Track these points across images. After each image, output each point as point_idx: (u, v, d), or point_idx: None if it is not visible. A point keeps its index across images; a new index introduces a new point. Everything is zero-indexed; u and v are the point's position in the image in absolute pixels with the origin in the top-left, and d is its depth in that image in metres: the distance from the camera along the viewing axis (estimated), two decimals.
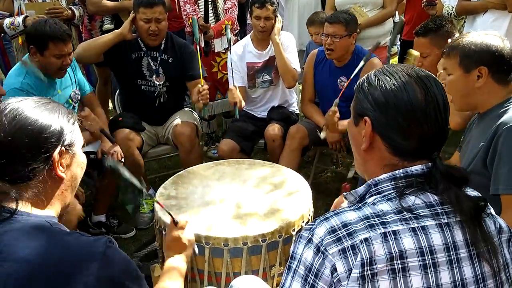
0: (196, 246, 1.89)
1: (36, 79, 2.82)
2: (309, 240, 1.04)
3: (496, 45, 1.75)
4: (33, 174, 1.14)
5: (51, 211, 1.19)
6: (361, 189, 1.15)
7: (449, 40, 2.52)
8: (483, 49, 1.76)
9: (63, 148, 1.18)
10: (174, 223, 1.72)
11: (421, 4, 4.01)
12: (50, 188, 1.18)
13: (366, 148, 1.15)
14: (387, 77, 1.12)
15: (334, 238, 1.01)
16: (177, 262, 1.61)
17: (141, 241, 3.18)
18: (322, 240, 1.02)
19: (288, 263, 1.07)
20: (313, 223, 1.07)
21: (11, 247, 1.06)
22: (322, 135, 3.15)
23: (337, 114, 3.02)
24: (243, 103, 3.35)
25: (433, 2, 3.95)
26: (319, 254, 1.01)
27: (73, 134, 1.23)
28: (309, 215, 2.26)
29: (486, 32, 1.85)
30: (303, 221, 2.17)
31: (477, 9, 3.51)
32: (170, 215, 1.74)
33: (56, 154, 1.16)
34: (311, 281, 1.01)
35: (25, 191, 1.14)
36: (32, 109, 1.16)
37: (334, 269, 0.99)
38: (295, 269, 1.05)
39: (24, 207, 1.13)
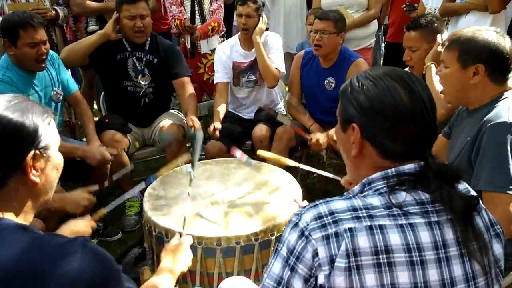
0: None
1: (16, 75, 2.78)
2: (296, 224, 1.06)
3: (497, 44, 1.75)
4: (4, 180, 1.09)
5: (21, 219, 1.14)
6: (356, 188, 1.15)
7: (438, 36, 2.57)
8: (483, 46, 1.75)
9: (37, 151, 1.12)
10: (180, 234, 1.74)
11: (403, 8, 4.07)
12: (22, 194, 1.12)
13: (357, 155, 1.15)
14: (370, 81, 1.12)
15: (319, 224, 1.03)
16: (172, 265, 1.58)
17: (127, 244, 3.14)
18: (308, 225, 1.04)
19: (276, 246, 1.10)
20: (303, 208, 1.09)
21: None
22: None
23: (320, 141, 3.12)
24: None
25: (413, 5, 4.02)
26: (303, 238, 1.03)
27: (48, 136, 1.16)
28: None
29: (488, 27, 1.84)
30: None
31: (459, 10, 3.57)
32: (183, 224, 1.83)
33: (29, 158, 1.10)
34: (292, 263, 1.03)
35: None
36: (4, 109, 1.10)
37: (315, 254, 1.01)
38: (279, 250, 1.07)
39: None
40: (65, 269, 1.02)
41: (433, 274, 1.03)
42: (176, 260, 1.61)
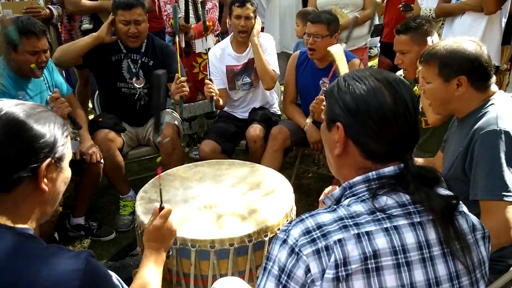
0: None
1: (10, 80, 2.76)
2: (284, 241, 1.05)
3: (475, 53, 1.76)
4: (17, 183, 1.09)
5: (27, 225, 1.14)
6: (336, 192, 1.16)
7: (428, 39, 2.57)
8: (462, 58, 1.76)
9: (52, 160, 1.14)
10: (160, 208, 1.64)
11: (399, 8, 4.08)
12: (30, 200, 1.13)
13: (340, 153, 1.16)
14: (356, 82, 1.13)
15: (308, 239, 1.02)
16: (156, 254, 1.56)
17: (121, 244, 3.13)
18: (297, 241, 1.03)
19: (264, 264, 1.08)
20: (289, 224, 1.08)
21: None
22: (308, 120, 3.13)
23: (324, 102, 3.02)
24: (220, 101, 3.36)
25: (409, 5, 4.02)
26: (293, 255, 1.02)
27: (64, 148, 1.18)
28: (292, 213, 2.26)
29: (463, 38, 1.85)
30: (287, 220, 2.16)
31: (455, 11, 3.58)
32: (160, 198, 1.69)
33: (44, 166, 1.12)
34: (284, 281, 1.02)
35: (5, 202, 1.10)
36: (28, 115, 1.11)
37: (308, 270, 1.00)
38: (269, 269, 1.06)
39: (1, 218, 1.09)
40: (64, 284, 1.03)
41: (418, 275, 1.03)
42: (159, 246, 1.58)
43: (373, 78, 1.13)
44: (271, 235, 2.07)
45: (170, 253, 1.86)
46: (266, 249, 2.06)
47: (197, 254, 1.99)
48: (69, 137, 1.21)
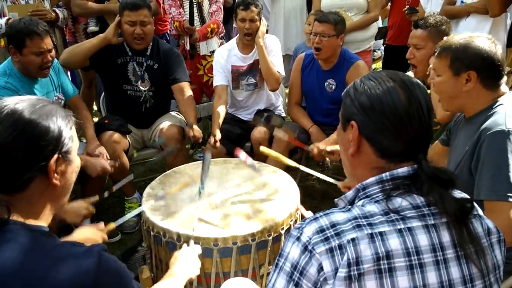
0: None
1: (19, 81, 2.78)
2: (297, 239, 1.05)
3: (488, 50, 1.75)
4: (28, 182, 1.10)
5: (42, 221, 1.15)
6: (350, 193, 1.17)
7: (445, 38, 2.57)
8: (474, 54, 1.76)
9: (60, 155, 1.14)
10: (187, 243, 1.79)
11: (404, 11, 4.08)
12: (43, 197, 1.14)
13: (354, 153, 1.16)
14: (372, 82, 1.14)
15: (322, 238, 1.03)
16: (179, 270, 1.61)
17: (126, 246, 3.13)
18: (310, 239, 1.03)
19: (276, 261, 1.09)
20: (303, 222, 1.08)
21: (2, 260, 1.03)
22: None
23: (321, 147, 2.95)
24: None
25: (415, 8, 4.02)
26: (306, 252, 1.02)
27: (70, 140, 1.18)
28: (297, 213, 2.26)
29: (479, 34, 1.84)
30: (292, 220, 2.16)
31: (460, 13, 3.58)
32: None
33: (52, 162, 1.12)
34: (296, 278, 1.03)
35: (18, 201, 1.10)
36: (31, 112, 1.11)
37: (320, 268, 1.00)
38: (281, 266, 1.06)
39: (16, 216, 1.10)
40: (80, 283, 1.03)
41: (432, 277, 1.03)
42: (184, 266, 1.64)
43: (389, 78, 1.14)
44: (275, 235, 2.07)
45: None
46: (269, 248, 2.06)
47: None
48: (73, 128, 1.21)
